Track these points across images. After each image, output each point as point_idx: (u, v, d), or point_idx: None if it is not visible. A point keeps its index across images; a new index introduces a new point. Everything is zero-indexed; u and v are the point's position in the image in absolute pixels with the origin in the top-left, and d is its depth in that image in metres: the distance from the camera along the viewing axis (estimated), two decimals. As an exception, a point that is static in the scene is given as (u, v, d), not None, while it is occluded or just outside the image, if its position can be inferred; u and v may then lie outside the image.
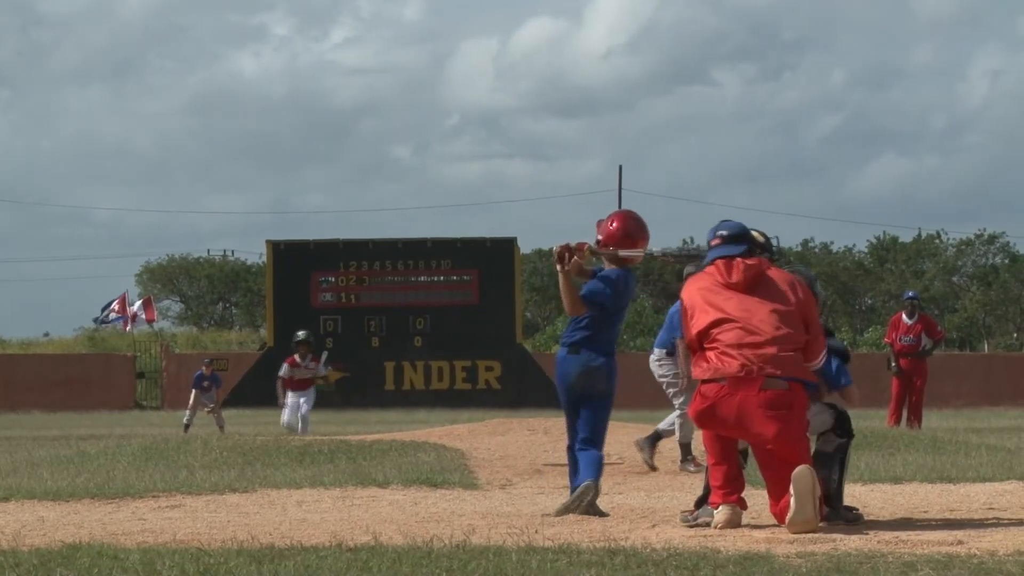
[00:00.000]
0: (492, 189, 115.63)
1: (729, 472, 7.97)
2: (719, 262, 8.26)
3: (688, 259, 9.59)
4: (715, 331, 8.04)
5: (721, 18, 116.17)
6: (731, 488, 7.94)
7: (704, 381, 7.99)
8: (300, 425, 22.99)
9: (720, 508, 7.92)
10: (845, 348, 8.92)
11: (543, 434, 17.14)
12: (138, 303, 50.50)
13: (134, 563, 6.39)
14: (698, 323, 8.12)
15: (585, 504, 8.85)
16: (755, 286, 8.13)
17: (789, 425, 7.85)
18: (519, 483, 12.29)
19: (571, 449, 9.24)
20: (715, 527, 7.80)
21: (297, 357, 23.74)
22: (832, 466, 8.42)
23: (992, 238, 73.46)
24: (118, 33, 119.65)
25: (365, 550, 6.76)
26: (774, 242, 8.76)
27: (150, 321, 51.13)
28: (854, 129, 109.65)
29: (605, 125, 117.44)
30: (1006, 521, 8.31)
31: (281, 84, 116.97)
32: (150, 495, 10.96)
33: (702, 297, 8.18)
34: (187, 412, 28.05)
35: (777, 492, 7.80)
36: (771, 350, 7.90)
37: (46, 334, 65.94)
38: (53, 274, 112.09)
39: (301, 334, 24.52)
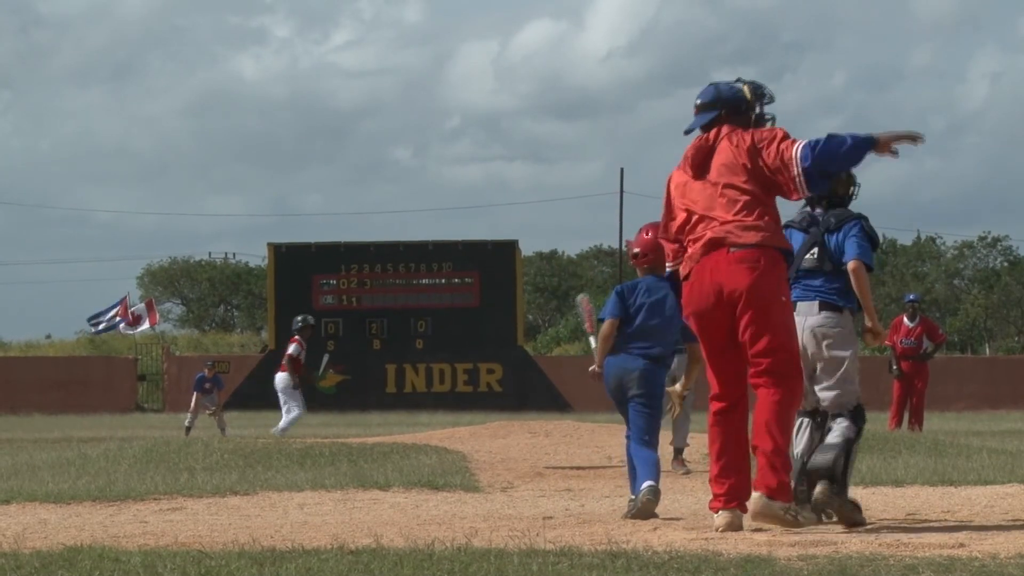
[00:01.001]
0: (492, 191, 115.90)
1: (736, 483, 7.88)
2: (685, 154, 8.17)
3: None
4: (687, 227, 8.04)
5: (721, 20, 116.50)
6: (732, 496, 7.88)
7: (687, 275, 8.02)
8: (296, 411, 21.69)
9: (720, 512, 7.88)
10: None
11: (544, 437, 17.14)
12: (140, 305, 50.53)
13: (135, 566, 6.39)
14: (677, 222, 8.11)
15: (649, 512, 8.87)
16: (705, 165, 8.04)
17: (765, 278, 7.82)
18: (520, 486, 12.29)
19: (630, 439, 9.33)
20: (715, 531, 7.79)
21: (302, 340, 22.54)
22: (838, 452, 8.39)
23: (995, 241, 73.51)
24: (118, 34, 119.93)
25: (366, 553, 6.76)
26: (766, 91, 8.30)
27: (152, 324, 51.15)
28: (854, 130, 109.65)
29: (605, 127, 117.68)
30: (1007, 524, 8.31)
31: (281, 86, 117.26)
32: (151, 497, 10.96)
33: (677, 193, 8.14)
34: (188, 415, 28.06)
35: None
36: (731, 225, 7.87)
37: (48, 336, 66.02)
38: (54, 276, 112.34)
39: (311, 317, 23.38)
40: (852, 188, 8.95)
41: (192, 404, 28.21)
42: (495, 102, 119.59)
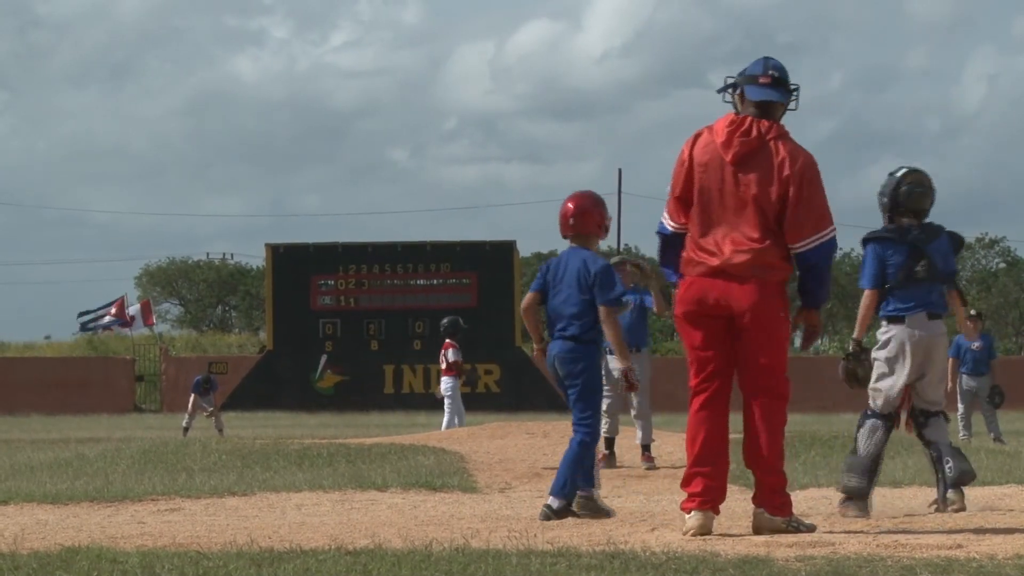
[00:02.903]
0: (489, 192, 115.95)
1: (713, 484, 7.64)
2: (724, 127, 7.75)
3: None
4: (702, 216, 7.71)
5: (717, 21, 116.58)
6: (708, 498, 7.62)
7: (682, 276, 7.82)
8: (457, 419, 22.47)
9: (692, 514, 7.61)
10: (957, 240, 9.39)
11: (542, 437, 17.12)
12: (135, 306, 50.54)
13: (133, 566, 6.38)
14: (681, 196, 7.77)
15: (588, 511, 8.85)
16: (748, 161, 7.68)
17: (770, 300, 7.62)
18: (518, 486, 12.29)
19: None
20: (685, 533, 7.57)
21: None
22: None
23: (993, 242, 73.52)
24: (116, 35, 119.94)
25: (364, 553, 6.76)
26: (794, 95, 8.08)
27: (149, 325, 51.16)
28: (850, 132, 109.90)
29: (602, 128, 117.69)
30: (1005, 525, 8.30)
31: (279, 86, 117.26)
32: (149, 498, 10.96)
33: (701, 170, 7.72)
34: (186, 416, 28.07)
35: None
36: (749, 255, 7.61)
37: (47, 337, 65.96)
38: (52, 277, 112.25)
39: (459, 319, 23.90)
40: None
41: (189, 405, 28.22)
42: (492, 103, 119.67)
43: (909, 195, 9.20)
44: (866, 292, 9.23)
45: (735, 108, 7.98)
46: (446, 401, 22.62)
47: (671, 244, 7.91)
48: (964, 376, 22.00)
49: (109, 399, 44.79)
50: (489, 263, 44.35)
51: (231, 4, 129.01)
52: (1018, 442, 18.56)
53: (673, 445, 15.70)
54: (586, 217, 9.17)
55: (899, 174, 9.26)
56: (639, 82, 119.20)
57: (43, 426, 33.83)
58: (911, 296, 9.13)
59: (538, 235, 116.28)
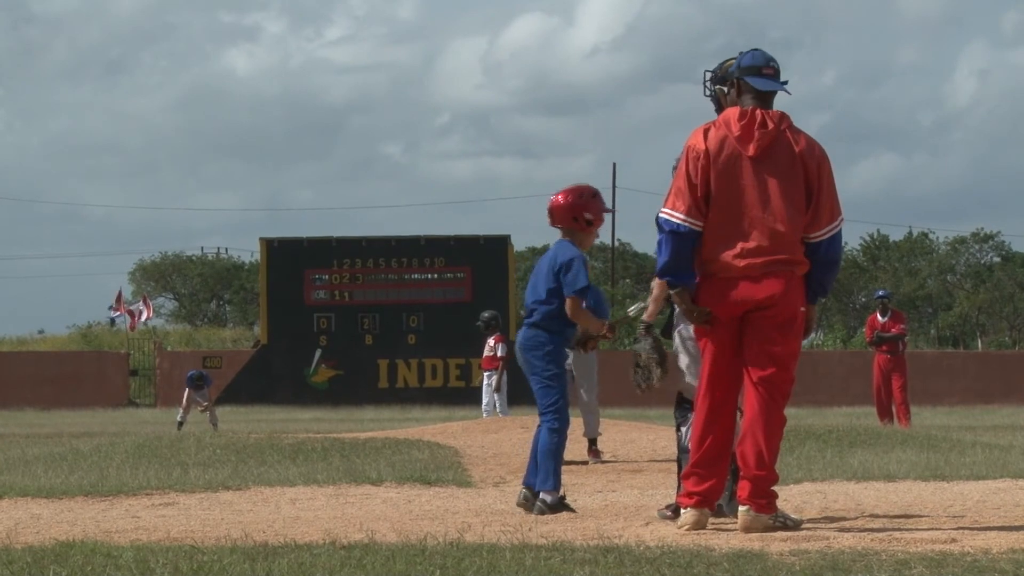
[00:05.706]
0: (483, 187, 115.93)
1: (714, 486, 7.67)
2: (736, 121, 7.60)
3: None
4: (731, 218, 7.51)
5: (709, 16, 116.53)
6: (708, 498, 7.66)
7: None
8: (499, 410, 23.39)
9: (689, 510, 7.65)
10: None
11: (537, 432, 17.12)
12: (139, 303, 50.65)
13: (127, 561, 6.38)
14: (699, 196, 7.52)
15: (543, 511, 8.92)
16: (768, 156, 7.58)
17: (796, 296, 7.56)
18: (513, 481, 12.28)
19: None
20: (680, 528, 7.61)
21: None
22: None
23: (988, 237, 73.59)
24: (110, 31, 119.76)
25: (359, 548, 6.75)
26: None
27: (148, 317, 51.24)
28: (843, 127, 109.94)
29: (595, 122, 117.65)
30: (1000, 519, 8.31)
31: (273, 82, 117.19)
32: (144, 493, 10.96)
33: (719, 167, 7.53)
34: (180, 411, 28.03)
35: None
36: (783, 248, 7.52)
37: (41, 331, 65.92)
38: (46, 271, 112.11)
39: (485, 314, 24.92)
40: None
41: (184, 400, 28.17)
42: (485, 98, 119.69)
43: None
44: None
45: (720, 102, 7.97)
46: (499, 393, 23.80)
47: (688, 242, 7.59)
48: None
49: (103, 393, 44.76)
50: (483, 257, 44.32)
51: (225, 0, 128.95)
52: (1013, 436, 18.56)
53: (667, 440, 15.70)
54: (560, 211, 9.26)
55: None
56: (632, 77, 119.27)
57: (37, 420, 33.81)
58: None
59: (532, 229, 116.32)
